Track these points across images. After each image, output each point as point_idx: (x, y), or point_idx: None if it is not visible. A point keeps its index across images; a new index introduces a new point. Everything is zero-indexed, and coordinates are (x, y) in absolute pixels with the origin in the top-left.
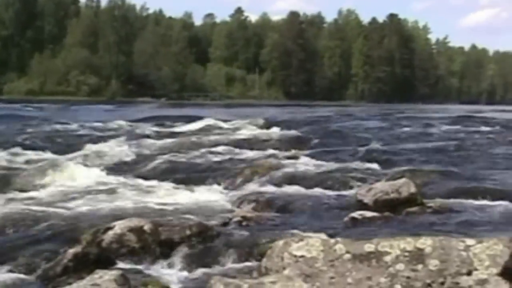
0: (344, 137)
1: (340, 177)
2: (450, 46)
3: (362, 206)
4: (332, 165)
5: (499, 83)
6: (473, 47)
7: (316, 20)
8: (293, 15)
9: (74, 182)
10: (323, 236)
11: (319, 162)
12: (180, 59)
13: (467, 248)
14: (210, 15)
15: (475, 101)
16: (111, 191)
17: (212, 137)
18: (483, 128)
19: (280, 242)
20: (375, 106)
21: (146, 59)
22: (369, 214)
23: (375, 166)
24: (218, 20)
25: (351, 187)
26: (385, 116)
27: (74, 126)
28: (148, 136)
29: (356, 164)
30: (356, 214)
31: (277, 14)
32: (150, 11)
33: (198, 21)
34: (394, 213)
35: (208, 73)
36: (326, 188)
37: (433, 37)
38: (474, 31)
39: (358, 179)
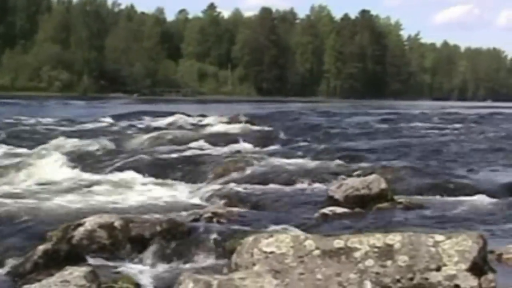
0: (316, 133)
1: (311, 173)
2: (422, 43)
3: (333, 202)
4: (304, 161)
5: (470, 80)
6: (445, 43)
7: (288, 16)
8: (265, 11)
9: (44, 178)
10: (293, 232)
11: (290, 158)
12: (152, 55)
13: (436, 244)
14: (182, 11)
15: (446, 97)
16: (82, 187)
17: (184, 133)
18: (454, 125)
19: (250, 239)
20: (347, 102)
21: (118, 54)
22: (339, 210)
23: (346, 162)
24: (190, 16)
25: (322, 183)
26: (357, 112)
27: (45, 121)
28: (119, 132)
29: (328, 160)
30: (327, 210)
31: (250, 10)
32: (122, 6)
33: (170, 16)
34: (365, 209)
35: (180, 69)
36: (297, 184)
37: (405, 33)
38: (446, 27)
39: (330, 175)
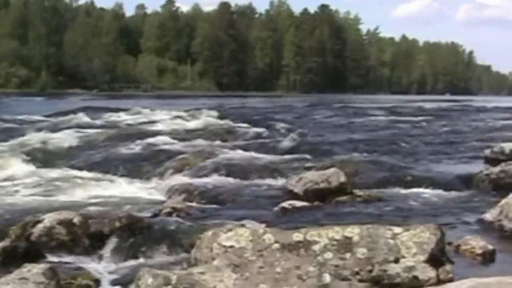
0: (276, 127)
1: (271, 167)
2: (381, 37)
3: (292, 196)
4: (264, 155)
5: (429, 74)
6: (404, 37)
7: (248, 11)
8: (224, 5)
9: (2, 175)
10: (253, 226)
11: (250, 152)
12: (111, 50)
13: (395, 236)
14: (141, 6)
15: (405, 91)
16: (41, 184)
17: (143, 128)
18: (413, 118)
19: (209, 233)
20: (306, 96)
21: (77, 50)
22: (299, 203)
23: (306, 155)
24: (149, 11)
25: (282, 177)
26: (316, 106)
27: (3, 118)
28: (78, 128)
29: (288, 154)
30: (286, 203)
31: (209, 5)
32: (81, 2)
33: (129, 12)
34: (324, 202)
35: (139, 64)
36: (257, 178)
37: (364, 28)
38: (406, 22)
39: (289, 169)
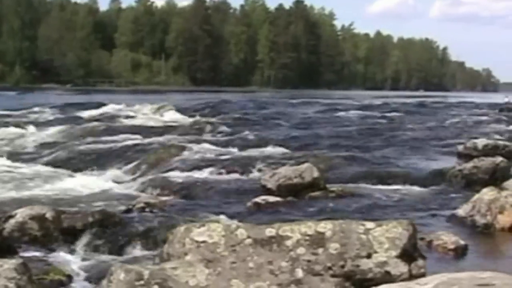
0: (250, 123)
1: (245, 162)
2: (355, 33)
3: (266, 191)
4: (238, 151)
5: (403, 70)
6: (378, 33)
7: (222, 6)
8: (199, 1)
9: None
10: (226, 221)
11: (224, 148)
12: (86, 45)
13: (367, 231)
14: (115, 1)
15: (380, 87)
16: (14, 179)
17: (117, 123)
18: (387, 114)
19: (182, 228)
20: (281, 92)
21: (51, 45)
22: (272, 199)
23: (280, 151)
24: (124, 5)
25: (255, 173)
26: (290, 102)
27: None
28: (52, 123)
29: (262, 149)
30: (260, 199)
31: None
32: None
33: (103, 6)
34: (298, 197)
35: (113, 59)
36: (231, 173)
37: (338, 23)
38: (380, 18)
39: (263, 164)
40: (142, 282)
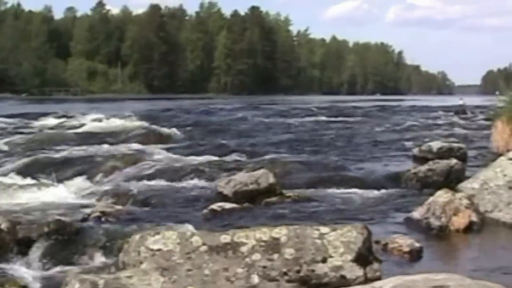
0: (206, 130)
1: (201, 169)
2: (311, 38)
3: (222, 197)
4: (194, 158)
5: (359, 74)
6: (334, 38)
7: (178, 13)
8: (154, 8)
9: None
10: (181, 229)
11: (181, 155)
12: (41, 54)
13: (322, 236)
14: (70, 9)
15: (336, 91)
16: None
17: (71, 133)
18: (343, 118)
19: (137, 237)
20: (237, 98)
21: (5, 54)
22: (228, 205)
23: (235, 157)
24: (79, 13)
25: (212, 179)
26: (247, 108)
27: None
28: (6, 133)
29: (218, 156)
30: (216, 206)
31: (139, 7)
32: (9, 5)
33: (58, 14)
34: (254, 204)
35: (69, 67)
36: (187, 181)
37: (294, 29)
38: (336, 23)
39: (219, 171)
40: None
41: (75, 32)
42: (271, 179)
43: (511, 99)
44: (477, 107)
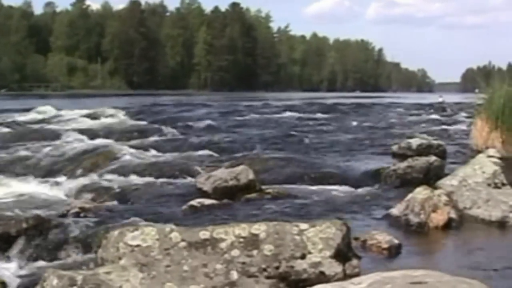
0: (185, 126)
1: (181, 165)
2: (291, 35)
3: (202, 194)
4: (174, 154)
5: (339, 71)
6: (314, 35)
7: (159, 9)
8: (134, 3)
9: None
10: (160, 225)
11: (161, 151)
12: (20, 49)
13: (301, 232)
14: (50, 4)
15: (316, 88)
16: None
17: (52, 128)
18: (322, 115)
19: (116, 232)
20: (218, 94)
21: None
22: (208, 201)
23: (215, 153)
24: (59, 9)
25: (192, 175)
26: (227, 104)
27: None
28: None
29: (198, 152)
30: (195, 202)
31: (120, 3)
32: None
33: (38, 10)
34: (233, 200)
35: (49, 63)
36: (167, 177)
37: (275, 25)
38: (317, 19)
39: (199, 167)
40: (75, 287)
41: (55, 28)
42: (251, 175)
43: (490, 97)
44: (457, 104)
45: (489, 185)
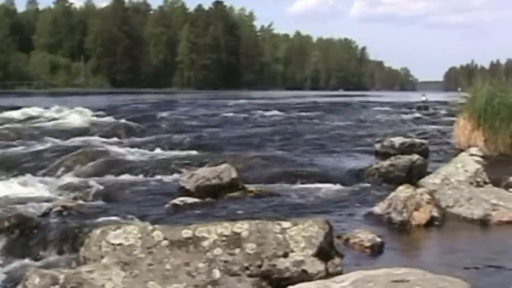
0: (168, 124)
1: (164, 164)
2: (275, 33)
3: (184, 192)
4: (157, 153)
5: (322, 69)
6: (298, 34)
7: (142, 7)
8: (118, 2)
9: None
10: (142, 223)
11: (144, 150)
12: (3, 47)
13: (283, 230)
14: (33, 2)
15: (300, 87)
16: None
17: (33, 126)
18: (306, 114)
19: (98, 231)
20: (201, 93)
21: None
22: (190, 200)
23: (199, 152)
24: (41, 6)
25: (174, 174)
26: (210, 103)
27: None
28: None
29: (181, 151)
30: (178, 200)
31: (103, 1)
32: None
33: (21, 7)
34: (216, 198)
35: (32, 61)
36: (150, 176)
37: (258, 24)
38: (300, 18)
39: (182, 166)
40: (57, 286)
41: (37, 26)
42: (234, 174)
43: (473, 96)
44: (439, 103)
45: (471, 183)
